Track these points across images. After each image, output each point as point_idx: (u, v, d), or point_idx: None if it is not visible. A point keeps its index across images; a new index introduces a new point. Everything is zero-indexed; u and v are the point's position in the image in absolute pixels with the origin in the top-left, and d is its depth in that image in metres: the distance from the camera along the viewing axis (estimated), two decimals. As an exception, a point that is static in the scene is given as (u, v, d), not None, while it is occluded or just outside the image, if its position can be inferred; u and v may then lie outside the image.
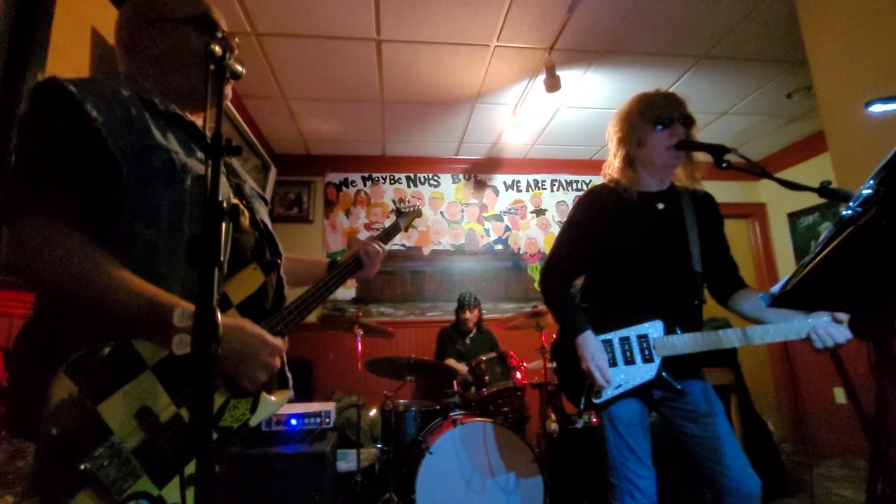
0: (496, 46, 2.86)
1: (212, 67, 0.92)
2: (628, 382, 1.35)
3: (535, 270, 4.45)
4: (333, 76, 3.11)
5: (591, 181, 4.66)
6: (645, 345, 1.36)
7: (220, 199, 0.69)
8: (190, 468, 0.78)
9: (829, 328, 1.20)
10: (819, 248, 0.74)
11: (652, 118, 1.41)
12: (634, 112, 1.46)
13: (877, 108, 1.33)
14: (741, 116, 3.84)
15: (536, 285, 4.39)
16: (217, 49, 0.86)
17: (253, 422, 0.93)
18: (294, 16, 2.52)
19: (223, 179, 1.01)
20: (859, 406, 2.05)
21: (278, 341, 0.89)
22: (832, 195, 1.07)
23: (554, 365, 1.55)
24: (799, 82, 3.37)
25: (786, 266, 4.51)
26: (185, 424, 0.80)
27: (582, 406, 1.38)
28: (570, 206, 4.54)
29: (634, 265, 1.43)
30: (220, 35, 1.04)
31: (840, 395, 3.88)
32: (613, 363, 1.37)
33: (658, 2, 2.51)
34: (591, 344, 1.36)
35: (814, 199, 4.20)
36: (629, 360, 1.36)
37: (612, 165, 1.53)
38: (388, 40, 2.77)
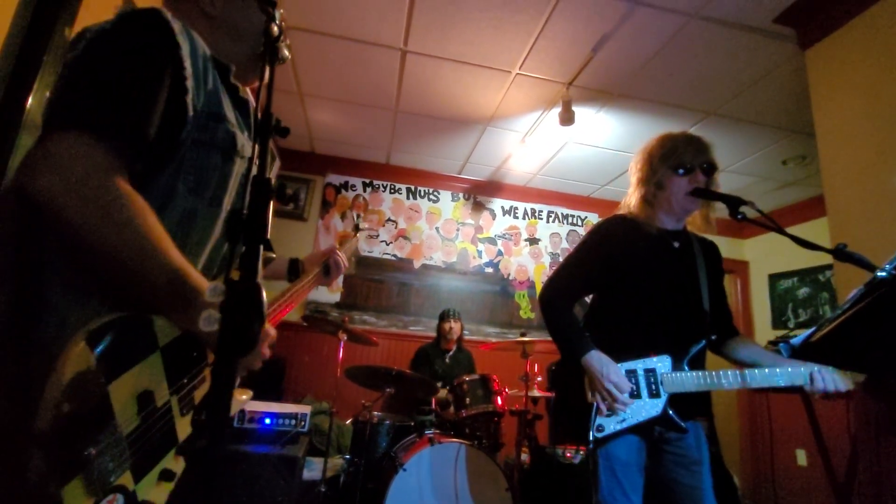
0: (517, 74, 2.92)
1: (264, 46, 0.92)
2: (633, 417, 1.32)
3: (521, 298, 4.46)
4: (353, 79, 3.13)
5: (586, 217, 4.74)
6: (652, 379, 1.35)
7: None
8: (166, 463, 0.74)
9: (833, 374, 1.21)
10: (847, 306, 0.76)
11: (673, 164, 1.43)
12: (656, 155, 1.47)
13: None
14: (737, 175, 3.98)
15: (522, 313, 4.42)
16: (275, 29, 0.86)
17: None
18: (326, 14, 2.53)
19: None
20: (830, 468, 2.09)
21: (273, 331, 0.86)
22: (848, 258, 1.11)
23: (554, 397, 1.51)
24: (795, 151, 3.53)
25: (762, 325, 4.63)
26: (172, 416, 0.75)
27: (592, 437, 1.33)
28: (564, 240, 4.61)
29: (647, 298, 1.42)
30: (276, 16, 1.04)
31: (802, 456, 3.94)
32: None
33: (679, 55, 2.61)
34: (601, 361, 1.32)
35: (795, 264, 4.35)
36: (635, 395, 1.34)
37: (632, 202, 1.53)
38: (413, 52, 2.80)
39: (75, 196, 0.64)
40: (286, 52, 1.02)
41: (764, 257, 4.74)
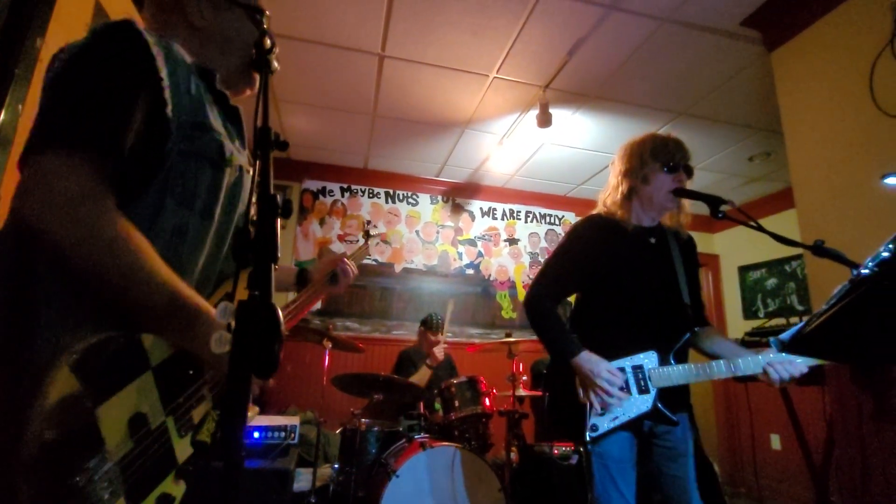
0: (495, 77, 2.95)
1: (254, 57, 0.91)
2: (625, 414, 1.36)
3: (503, 298, 4.50)
4: (329, 84, 3.09)
5: (563, 216, 4.82)
6: (640, 375, 1.38)
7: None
8: (164, 487, 0.71)
9: (786, 363, 1.29)
10: (834, 301, 0.80)
11: (662, 161, 1.47)
12: (647, 150, 1.50)
13: (892, 181, 1.48)
14: (706, 172, 4.12)
15: (504, 313, 4.46)
16: (268, 41, 0.86)
17: None
18: (303, 20, 2.50)
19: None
20: (807, 453, 2.19)
21: None
22: (825, 254, 1.17)
23: (546, 397, 1.52)
24: (760, 148, 3.68)
25: (733, 316, 4.80)
26: (168, 437, 0.72)
27: (588, 438, 1.36)
28: (542, 239, 4.67)
29: (628, 295, 1.46)
30: (266, 29, 1.02)
31: (776, 441, 4.11)
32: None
33: (651, 57, 2.68)
34: (591, 360, 1.34)
35: (763, 256, 4.53)
36: (625, 391, 1.37)
37: (612, 195, 1.56)
38: (391, 57, 2.79)
39: (58, 216, 0.64)
40: (276, 64, 1.01)
41: (733, 250, 4.92)
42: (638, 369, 1.39)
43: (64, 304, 0.68)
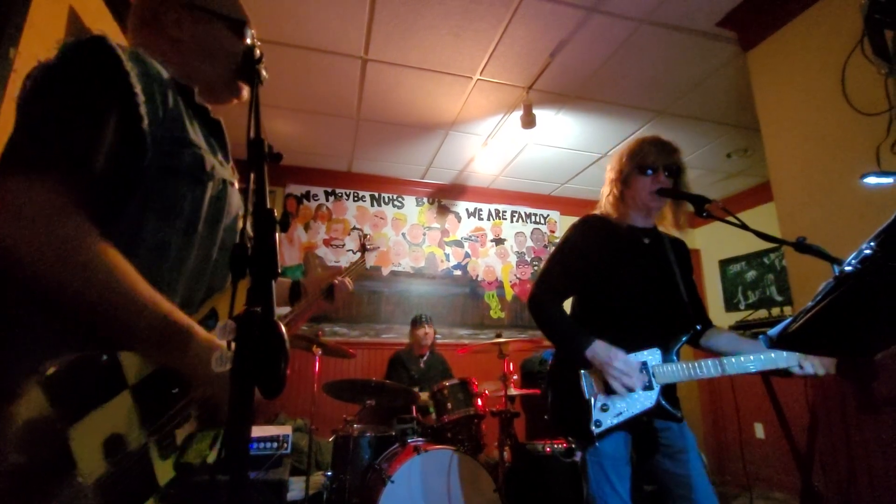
0: (478, 80, 2.96)
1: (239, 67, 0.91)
2: (629, 410, 1.36)
3: (491, 298, 4.52)
4: (312, 88, 3.07)
5: (548, 215, 4.86)
6: (645, 372, 1.39)
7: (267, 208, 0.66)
8: None
9: (816, 359, 1.33)
10: (819, 298, 0.83)
11: (638, 163, 1.52)
12: (626, 155, 1.56)
13: (871, 181, 1.52)
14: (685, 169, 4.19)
15: (493, 313, 4.48)
16: (258, 52, 0.86)
17: (211, 458, 0.82)
18: (285, 24, 2.48)
19: (235, 189, 0.96)
20: (792, 441, 2.25)
21: None
22: (807, 250, 1.20)
23: (549, 398, 1.52)
24: (738, 144, 3.76)
25: (715, 309, 4.90)
26: (149, 460, 0.70)
27: (594, 433, 1.35)
28: (528, 238, 4.70)
29: (626, 294, 1.48)
30: (249, 34, 1.01)
31: (759, 430, 4.22)
32: (613, 391, 1.36)
33: (631, 57, 2.73)
34: (605, 347, 1.35)
35: (742, 249, 4.64)
36: (643, 375, 1.38)
37: (606, 199, 1.60)
38: (374, 60, 2.78)
39: (26, 235, 0.61)
40: (265, 73, 1.00)
41: (713, 244, 5.02)
42: (642, 366, 1.40)
43: (39, 325, 0.66)
